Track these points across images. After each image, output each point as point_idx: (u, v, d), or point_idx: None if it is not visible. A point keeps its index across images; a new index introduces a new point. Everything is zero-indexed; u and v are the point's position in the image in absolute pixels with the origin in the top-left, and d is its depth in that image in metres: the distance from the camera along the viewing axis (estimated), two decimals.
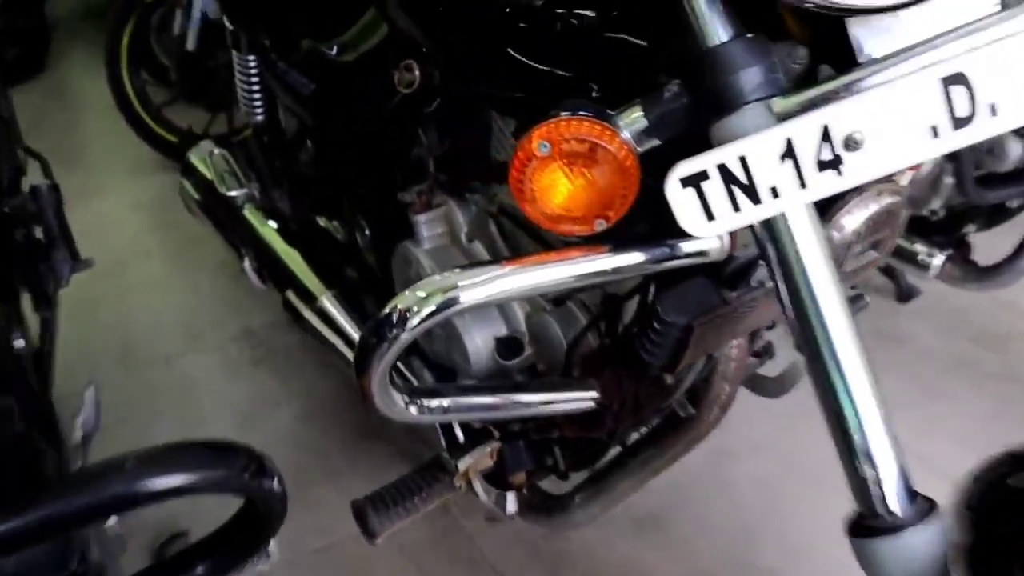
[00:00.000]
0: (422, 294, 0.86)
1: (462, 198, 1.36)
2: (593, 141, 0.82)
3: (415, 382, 1.32)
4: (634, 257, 0.90)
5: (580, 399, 1.08)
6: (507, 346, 1.30)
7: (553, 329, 1.21)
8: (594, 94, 0.96)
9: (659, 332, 1.01)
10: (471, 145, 1.30)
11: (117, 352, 2.16)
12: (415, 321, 0.86)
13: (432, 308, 0.86)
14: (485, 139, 1.27)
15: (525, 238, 1.25)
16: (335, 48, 1.49)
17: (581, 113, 0.85)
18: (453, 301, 0.86)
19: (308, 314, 1.67)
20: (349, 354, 1.63)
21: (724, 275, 1.01)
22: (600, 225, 0.87)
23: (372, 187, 1.51)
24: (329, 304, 1.66)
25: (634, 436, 1.31)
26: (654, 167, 0.83)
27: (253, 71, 1.75)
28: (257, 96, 1.78)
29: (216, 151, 1.93)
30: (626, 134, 0.84)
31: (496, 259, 0.97)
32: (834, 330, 0.79)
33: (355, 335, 1.63)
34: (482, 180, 1.32)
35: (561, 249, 0.90)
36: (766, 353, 1.37)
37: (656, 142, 0.85)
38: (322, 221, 1.79)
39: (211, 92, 2.93)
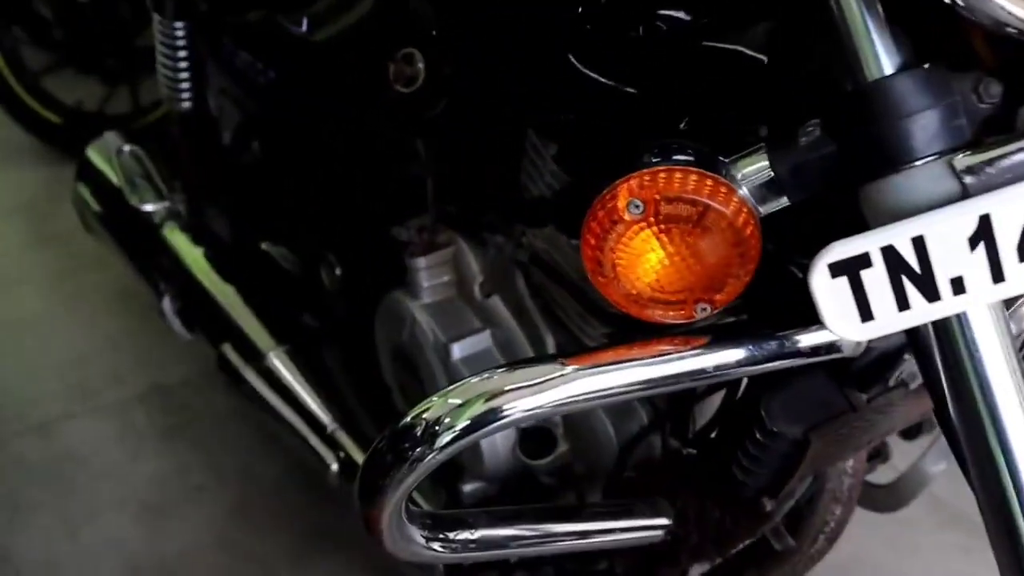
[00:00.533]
0: (457, 401, 0.83)
1: (477, 239, 1.33)
2: (704, 202, 0.79)
3: (424, 505, 1.28)
4: (743, 353, 0.87)
5: (647, 528, 1.05)
6: (535, 440, 1.27)
7: (601, 424, 1.19)
8: (681, 126, 0.93)
9: (762, 445, 0.99)
10: (492, 168, 1.27)
11: None
12: (447, 438, 0.82)
13: (469, 422, 0.83)
14: (512, 162, 1.24)
15: (566, 299, 1.22)
16: (304, 23, 1.46)
17: (681, 159, 0.82)
18: (499, 414, 0.83)
19: (251, 375, 1.65)
20: (305, 430, 1.60)
21: (852, 371, 0.98)
22: (702, 311, 0.84)
23: (350, 214, 1.47)
24: (279, 363, 1.64)
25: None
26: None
27: (181, 43, 1.71)
28: (185, 76, 1.74)
29: (127, 147, 1.88)
30: (745, 191, 0.81)
31: (555, 354, 0.94)
32: (1020, 452, 0.77)
33: (313, 405, 1.60)
34: (506, 216, 1.29)
35: (642, 340, 0.87)
36: (878, 455, 1.35)
37: (783, 203, 0.82)
38: (273, 250, 1.75)
39: (110, 57, 2.89)
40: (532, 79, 1.05)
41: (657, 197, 0.80)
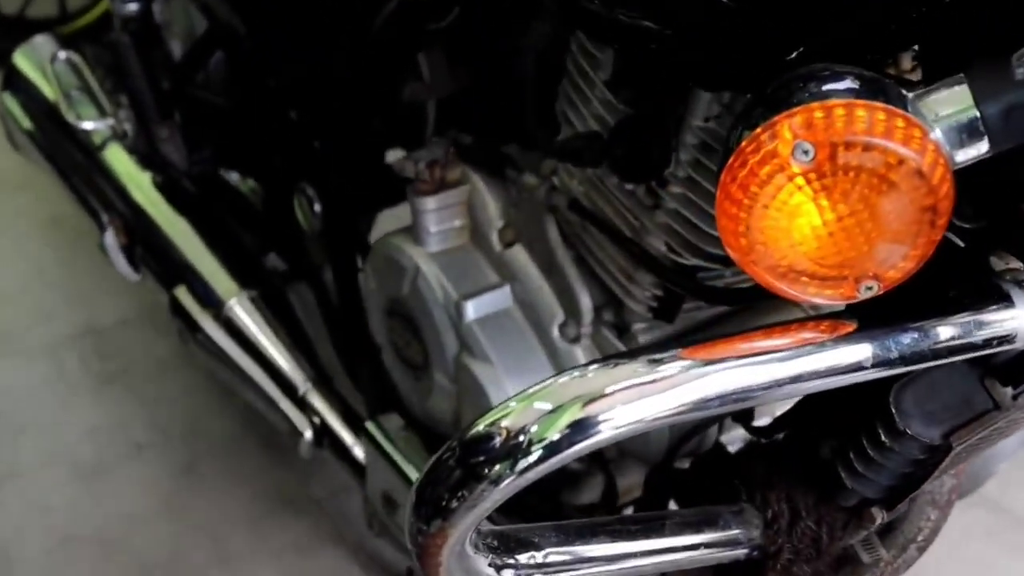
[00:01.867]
0: (547, 406, 0.63)
1: (497, 177, 1.15)
2: (895, 149, 0.59)
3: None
4: (906, 341, 0.69)
5: (734, 542, 0.87)
6: None
7: None
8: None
9: (886, 448, 0.80)
10: (519, 90, 1.07)
11: None
12: (535, 454, 0.63)
13: (565, 433, 0.63)
14: (548, 83, 1.05)
15: (609, 252, 1.03)
16: None
17: (847, 90, 0.62)
18: (602, 423, 0.63)
19: (208, 324, 1.47)
20: (272, 390, 1.40)
21: (995, 362, 0.80)
22: (866, 291, 0.64)
23: (335, 138, 1.25)
24: (242, 311, 1.47)
25: None
26: None
27: None
28: None
29: (62, 54, 1.64)
30: (939, 134, 0.61)
31: (664, 343, 0.75)
32: None
33: (281, 361, 1.41)
34: (536, 151, 1.10)
35: (771, 327, 0.68)
36: None
37: (982, 151, 0.63)
38: (234, 179, 1.53)
39: None
40: None
41: (835, 140, 0.59)
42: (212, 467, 1.75)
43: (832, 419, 0.87)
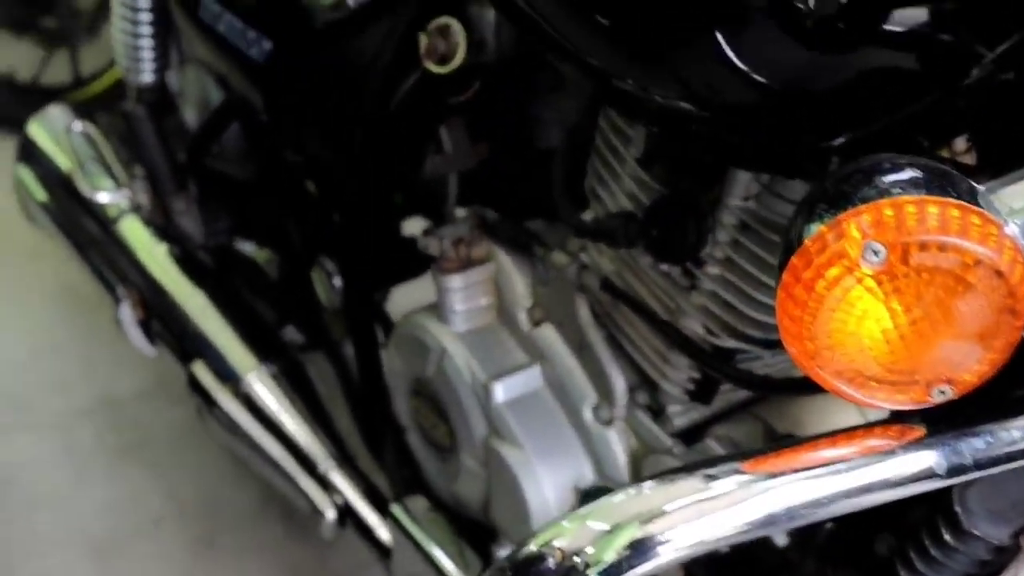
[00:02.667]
0: (603, 527, 0.58)
1: (523, 252, 1.10)
2: (972, 249, 0.55)
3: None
4: (980, 445, 0.64)
5: None
6: None
7: None
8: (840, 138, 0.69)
9: (952, 550, 0.76)
10: (546, 165, 1.04)
11: None
12: None
13: (623, 556, 0.58)
14: (577, 158, 1.01)
15: (643, 333, 0.99)
16: None
17: (911, 181, 0.58)
18: (662, 544, 0.58)
19: (226, 399, 1.42)
20: (293, 467, 1.37)
21: None
22: (939, 395, 0.60)
23: (356, 211, 1.22)
24: (261, 386, 1.42)
25: None
26: None
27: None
28: (150, 42, 1.48)
29: (77, 125, 1.60)
30: (1014, 229, 0.57)
31: (722, 457, 0.70)
32: None
33: (302, 438, 1.37)
34: (563, 226, 1.07)
35: (835, 434, 0.64)
36: None
37: None
38: (252, 251, 1.49)
39: (48, 15, 2.58)
40: (621, 36, 0.77)
41: (907, 240, 0.55)
42: (231, 540, 1.69)
43: (888, 513, 0.82)
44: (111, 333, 1.68)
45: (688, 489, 0.59)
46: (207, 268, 1.49)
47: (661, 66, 0.75)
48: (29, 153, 1.65)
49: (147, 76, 1.51)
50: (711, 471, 0.60)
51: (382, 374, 1.24)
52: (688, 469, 0.61)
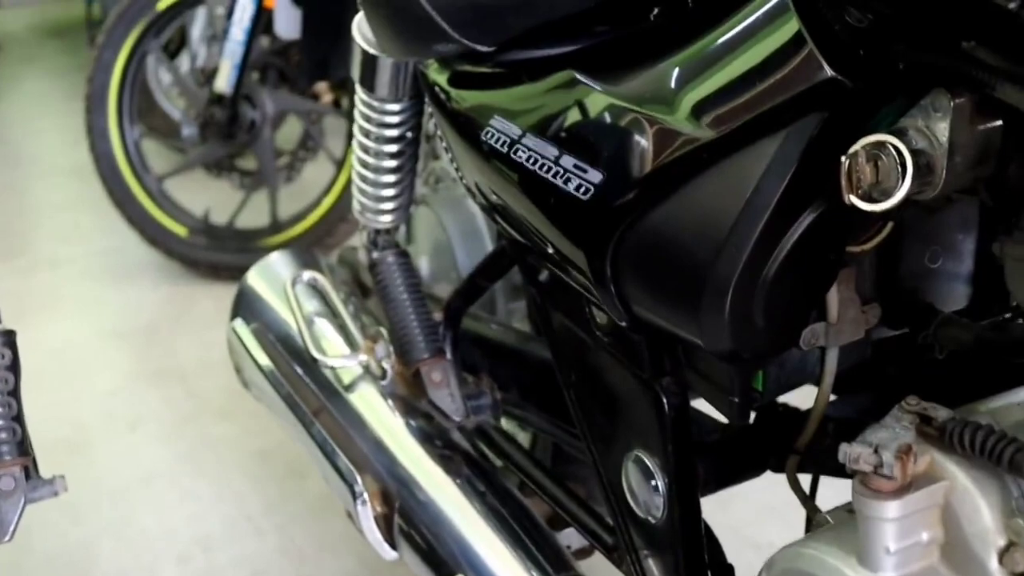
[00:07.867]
0: None
1: (989, 467, 0.74)
2: None
3: None
4: None
5: None
6: None
7: None
8: None
9: None
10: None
11: None
12: None
13: None
14: None
15: None
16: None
17: None
18: None
19: None
20: None
21: None
22: None
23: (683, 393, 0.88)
24: None
25: None
26: None
27: (399, 131, 1.17)
28: (400, 181, 1.20)
29: (305, 275, 1.32)
30: None
31: None
32: None
33: None
34: None
35: None
36: None
37: None
38: (525, 437, 1.15)
39: (247, 156, 2.45)
40: None
41: None
42: None
43: None
44: (314, 510, 1.40)
45: None
46: (468, 455, 1.15)
47: None
48: (247, 307, 1.36)
49: (386, 218, 1.22)
50: None
51: None
52: None
